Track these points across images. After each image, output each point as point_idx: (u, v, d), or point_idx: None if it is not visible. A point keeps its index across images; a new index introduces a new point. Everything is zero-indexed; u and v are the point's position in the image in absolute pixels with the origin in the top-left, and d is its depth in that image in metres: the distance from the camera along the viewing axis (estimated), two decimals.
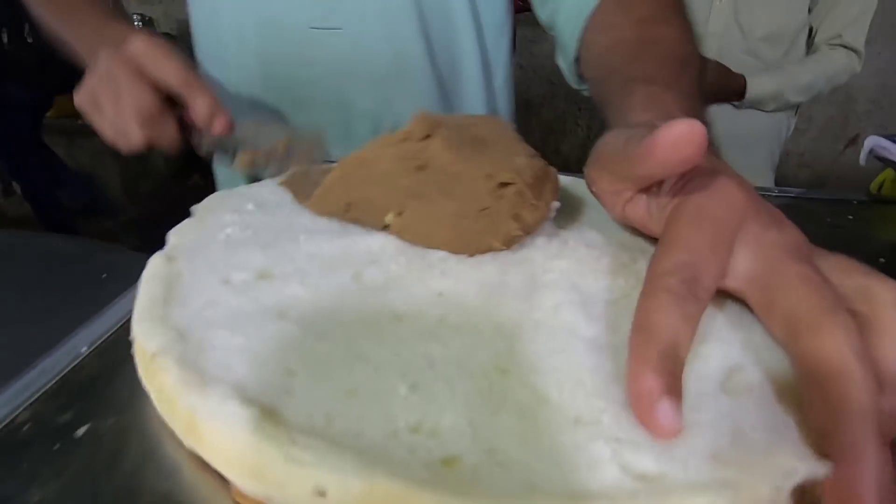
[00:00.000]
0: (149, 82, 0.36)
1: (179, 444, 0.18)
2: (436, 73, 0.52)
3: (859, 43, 0.90)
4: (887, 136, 0.44)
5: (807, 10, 0.92)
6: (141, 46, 0.36)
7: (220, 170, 0.62)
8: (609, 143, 0.23)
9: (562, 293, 0.21)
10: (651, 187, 0.22)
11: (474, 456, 0.15)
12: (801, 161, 2.27)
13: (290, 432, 0.15)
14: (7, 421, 0.20)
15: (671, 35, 0.33)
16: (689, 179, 0.20)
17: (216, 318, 0.20)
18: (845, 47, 0.91)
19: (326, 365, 0.18)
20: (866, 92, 2.10)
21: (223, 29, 0.51)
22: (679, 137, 0.18)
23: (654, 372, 0.15)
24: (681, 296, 0.17)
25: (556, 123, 2.23)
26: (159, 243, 0.27)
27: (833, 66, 0.92)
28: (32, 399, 0.21)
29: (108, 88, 0.36)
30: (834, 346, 0.15)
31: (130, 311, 0.26)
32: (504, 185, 0.24)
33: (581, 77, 0.43)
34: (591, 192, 0.25)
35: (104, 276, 0.47)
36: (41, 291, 0.45)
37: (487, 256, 0.24)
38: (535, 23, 0.54)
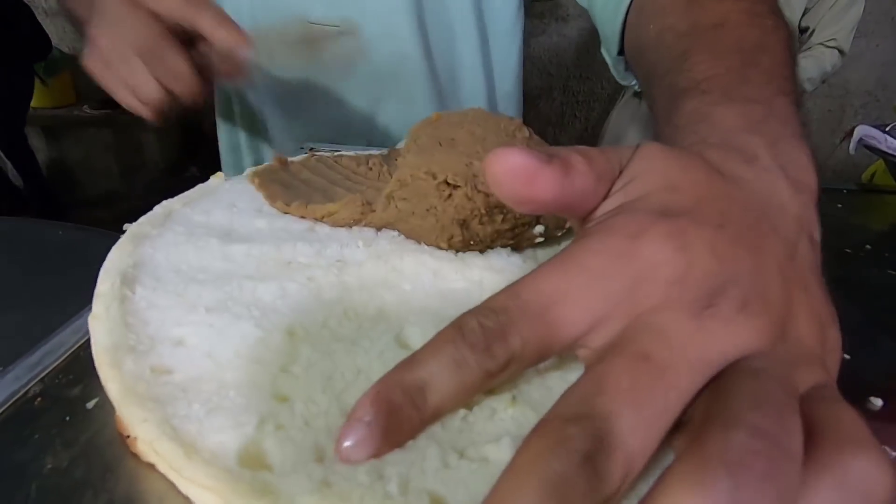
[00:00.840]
0: (148, 13, 0.32)
1: None
2: (432, 76, 0.51)
3: (847, 45, 1.04)
4: (877, 126, 0.45)
5: (801, 13, 1.03)
6: None
7: (226, 158, 0.62)
8: None
9: None
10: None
11: None
12: None
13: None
14: (19, 395, 0.20)
15: (733, 11, 0.25)
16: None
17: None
18: (837, 49, 1.04)
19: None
20: (863, 85, 2.11)
21: None
22: (496, 175, 0.15)
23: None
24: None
25: (554, 116, 2.23)
26: None
27: (827, 63, 1.04)
28: (43, 374, 0.21)
29: (111, 40, 0.32)
30: None
31: None
32: (452, 186, 0.23)
33: (632, 69, 0.36)
34: None
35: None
36: (42, 277, 0.46)
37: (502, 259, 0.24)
38: (533, 14, 0.53)
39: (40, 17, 2.24)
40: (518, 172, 0.14)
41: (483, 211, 0.24)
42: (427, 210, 0.24)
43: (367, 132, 0.54)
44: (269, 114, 0.53)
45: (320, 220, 0.27)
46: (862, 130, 0.44)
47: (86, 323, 0.24)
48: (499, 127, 0.28)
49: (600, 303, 0.14)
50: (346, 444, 0.14)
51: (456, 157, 0.25)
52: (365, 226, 0.26)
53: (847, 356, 0.26)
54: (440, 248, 0.25)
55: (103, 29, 0.33)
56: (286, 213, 0.28)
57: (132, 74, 0.33)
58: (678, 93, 0.22)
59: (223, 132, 0.60)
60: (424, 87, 0.52)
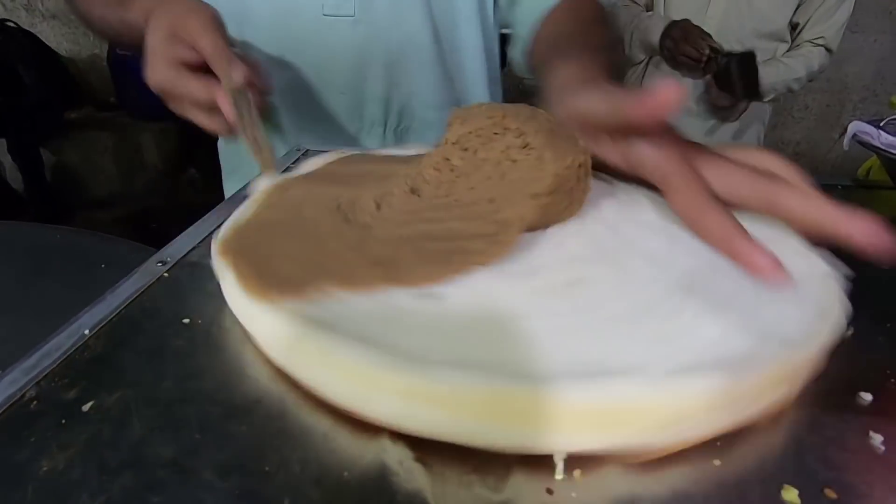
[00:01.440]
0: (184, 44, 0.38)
1: (184, 412, 0.19)
2: (441, 58, 0.54)
3: (835, 43, 1.04)
4: (870, 122, 0.45)
5: (794, 8, 1.02)
6: (184, 11, 0.38)
7: (226, 158, 0.63)
8: (583, 97, 0.29)
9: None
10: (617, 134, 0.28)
11: None
12: (796, 149, 2.28)
13: None
14: (15, 398, 0.21)
15: (598, 31, 0.45)
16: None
17: None
18: (825, 47, 1.04)
19: None
20: (861, 80, 2.10)
21: (239, 16, 0.53)
22: (666, 96, 0.23)
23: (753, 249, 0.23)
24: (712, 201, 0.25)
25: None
26: (153, 237, 0.28)
27: (816, 61, 1.04)
28: (39, 377, 0.22)
29: (167, 73, 0.38)
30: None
31: (131, 296, 0.27)
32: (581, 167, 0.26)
33: (529, 67, 0.51)
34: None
35: (103, 266, 0.48)
36: (40, 280, 0.46)
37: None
38: None
39: (38, 21, 2.24)
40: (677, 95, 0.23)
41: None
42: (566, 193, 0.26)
43: (382, 118, 0.56)
44: (278, 106, 0.55)
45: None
46: (856, 126, 0.44)
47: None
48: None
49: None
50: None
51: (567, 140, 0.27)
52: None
53: (836, 350, 0.26)
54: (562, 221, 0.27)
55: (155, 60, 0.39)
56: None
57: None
58: (566, 58, 0.37)
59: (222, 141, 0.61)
60: (434, 70, 0.55)
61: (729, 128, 1.10)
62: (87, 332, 0.24)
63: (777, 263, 0.23)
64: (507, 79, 0.66)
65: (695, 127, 1.09)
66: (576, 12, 0.49)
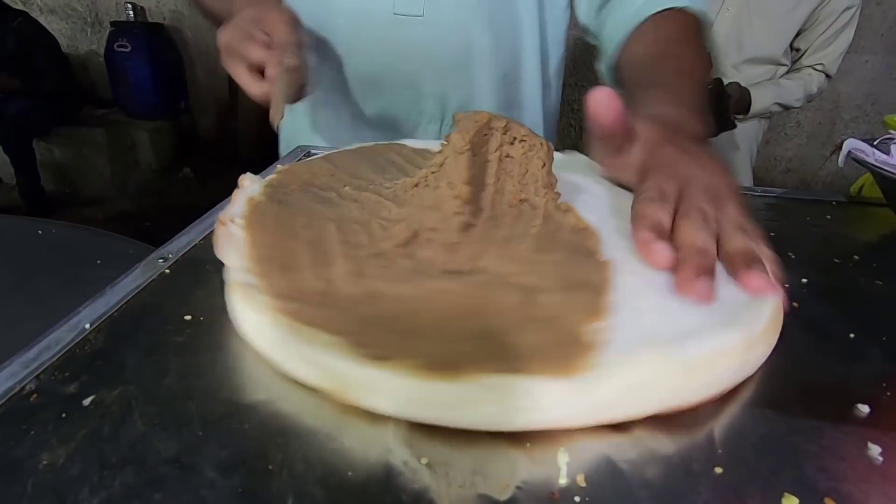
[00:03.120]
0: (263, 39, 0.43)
1: (186, 408, 0.19)
2: (499, 63, 0.57)
3: (834, 69, 1.10)
4: (865, 140, 0.46)
5: (792, 37, 1.07)
6: (272, 8, 0.45)
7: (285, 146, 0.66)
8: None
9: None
10: (622, 151, 0.34)
11: None
12: (788, 166, 2.31)
13: None
14: (14, 391, 0.20)
15: (686, 52, 0.45)
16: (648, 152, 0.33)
17: None
18: (824, 73, 1.09)
19: None
20: (853, 99, 2.14)
21: (309, 16, 0.56)
22: (596, 103, 0.30)
23: (648, 230, 0.26)
24: (655, 200, 0.28)
25: None
26: (146, 235, 0.28)
27: (815, 85, 1.09)
28: (38, 371, 0.21)
29: (238, 35, 0.44)
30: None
31: (132, 292, 0.26)
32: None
33: (615, 82, 0.52)
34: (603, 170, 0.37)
35: (98, 261, 0.48)
36: (35, 275, 0.45)
37: None
38: None
39: (35, 15, 2.23)
40: (607, 101, 0.30)
41: None
42: None
43: (440, 114, 0.59)
44: (337, 104, 0.58)
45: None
46: (851, 144, 0.45)
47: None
48: None
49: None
50: (658, 254, 0.26)
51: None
52: None
53: (833, 362, 0.26)
54: None
55: (235, 32, 0.45)
56: None
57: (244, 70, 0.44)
58: (647, 86, 0.41)
59: (285, 122, 0.63)
60: (491, 73, 0.57)
61: (724, 144, 1.11)
62: (87, 326, 0.24)
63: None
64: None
65: None
66: (663, 31, 0.47)
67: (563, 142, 2.26)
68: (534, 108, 0.62)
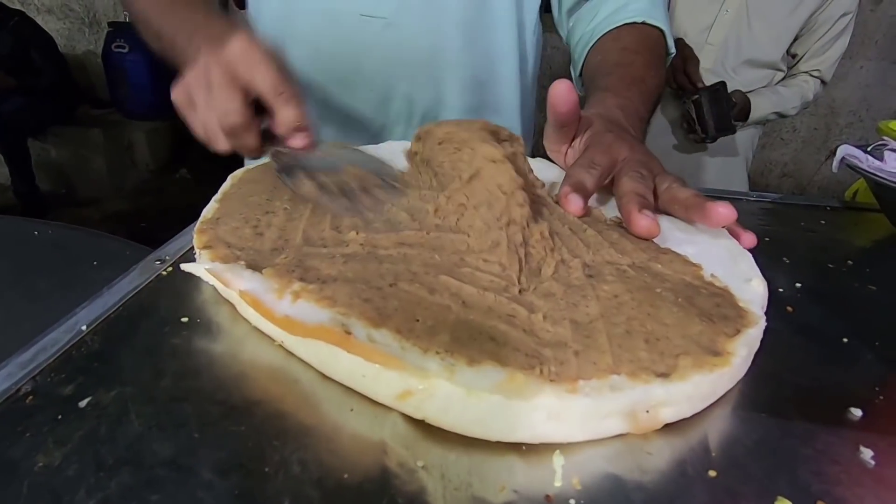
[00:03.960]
0: (241, 89, 0.34)
1: (182, 410, 0.19)
2: (469, 64, 0.57)
3: (829, 75, 1.10)
4: (859, 146, 0.46)
5: (791, 42, 1.07)
6: (238, 50, 0.34)
7: None
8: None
9: None
10: (572, 143, 0.39)
11: None
12: (784, 171, 2.32)
13: None
14: (11, 393, 0.20)
15: (638, 61, 0.49)
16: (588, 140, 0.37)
17: None
18: (820, 79, 1.10)
19: None
20: (848, 105, 2.16)
21: (277, 17, 0.56)
22: (555, 93, 0.34)
23: (568, 186, 0.33)
24: (584, 166, 0.34)
25: (541, 125, 2.25)
26: (143, 236, 0.28)
27: (811, 92, 1.10)
28: (35, 373, 0.21)
29: (203, 90, 0.35)
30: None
31: (129, 294, 0.26)
32: None
33: (583, 86, 0.56)
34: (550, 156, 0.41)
35: (95, 262, 0.47)
36: (31, 275, 0.45)
37: None
38: None
39: (33, 15, 2.22)
40: (564, 93, 0.34)
41: None
42: None
43: (406, 115, 0.58)
44: (308, 103, 0.55)
45: None
46: (844, 150, 0.46)
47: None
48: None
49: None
50: (573, 204, 0.32)
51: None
52: None
53: (827, 367, 0.27)
54: None
55: (199, 87, 0.35)
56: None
57: (213, 136, 0.36)
58: (598, 89, 0.46)
59: None
60: (462, 75, 0.57)
61: (721, 150, 1.12)
62: (84, 328, 0.24)
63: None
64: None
65: (686, 147, 1.11)
66: (620, 42, 0.51)
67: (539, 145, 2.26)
68: (510, 111, 0.61)
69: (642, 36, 0.52)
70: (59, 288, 0.38)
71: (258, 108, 0.35)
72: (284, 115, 0.35)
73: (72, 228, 0.55)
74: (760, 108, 1.06)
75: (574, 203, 0.32)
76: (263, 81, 0.34)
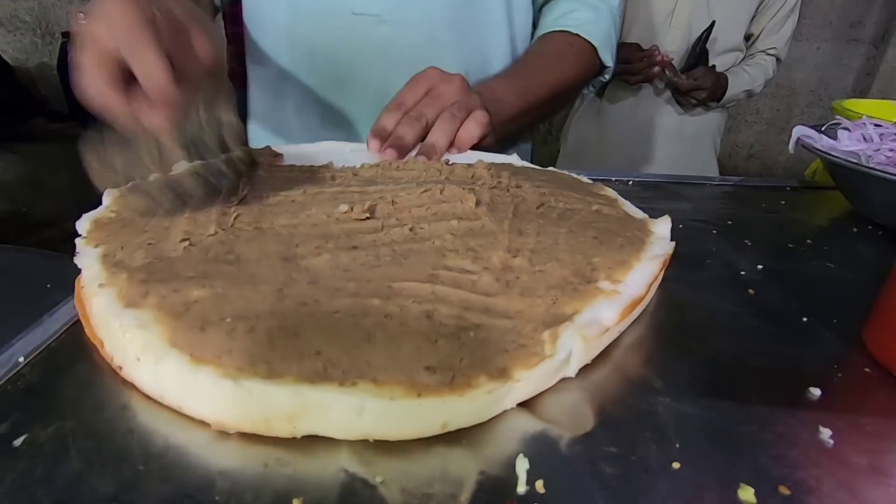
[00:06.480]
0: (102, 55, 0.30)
1: (126, 442, 0.18)
2: (464, 59, 0.57)
3: (784, 53, 1.14)
4: (813, 126, 0.47)
5: (749, 21, 1.09)
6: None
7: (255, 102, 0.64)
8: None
9: None
10: None
11: None
12: (750, 152, 2.38)
13: None
14: None
15: (545, 62, 0.57)
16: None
17: None
18: (776, 57, 1.13)
19: None
20: (807, 85, 2.22)
21: (270, 16, 0.56)
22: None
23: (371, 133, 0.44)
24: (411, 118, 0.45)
25: None
26: None
27: (770, 69, 1.13)
28: None
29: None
30: None
31: (71, 320, 0.25)
32: None
33: None
34: None
35: (48, 285, 0.45)
36: None
37: None
38: None
39: None
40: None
41: None
42: None
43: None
44: (302, 105, 0.58)
45: None
46: (799, 131, 0.46)
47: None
48: None
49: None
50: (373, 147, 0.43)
51: None
52: None
53: (787, 347, 0.27)
54: None
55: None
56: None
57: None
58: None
59: (250, 125, 0.63)
60: (455, 70, 0.56)
61: (690, 135, 1.14)
62: (21, 359, 0.22)
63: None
64: None
65: (661, 125, 1.13)
66: (549, 43, 0.58)
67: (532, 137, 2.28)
68: None
69: (564, 43, 0.58)
70: (5, 315, 0.37)
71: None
72: (139, 74, 0.29)
73: (23, 251, 0.52)
74: (734, 86, 1.09)
75: (373, 145, 0.42)
76: (119, 33, 0.28)
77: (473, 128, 0.45)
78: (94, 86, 0.29)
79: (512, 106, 0.52)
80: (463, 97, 0.47)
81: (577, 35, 0.57)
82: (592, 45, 0.58)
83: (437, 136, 0.44)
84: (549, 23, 0.59)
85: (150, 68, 0.28)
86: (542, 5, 0.62)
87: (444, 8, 0.55)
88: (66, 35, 2.28)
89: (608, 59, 0.60)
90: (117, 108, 0.29)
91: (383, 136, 0.43)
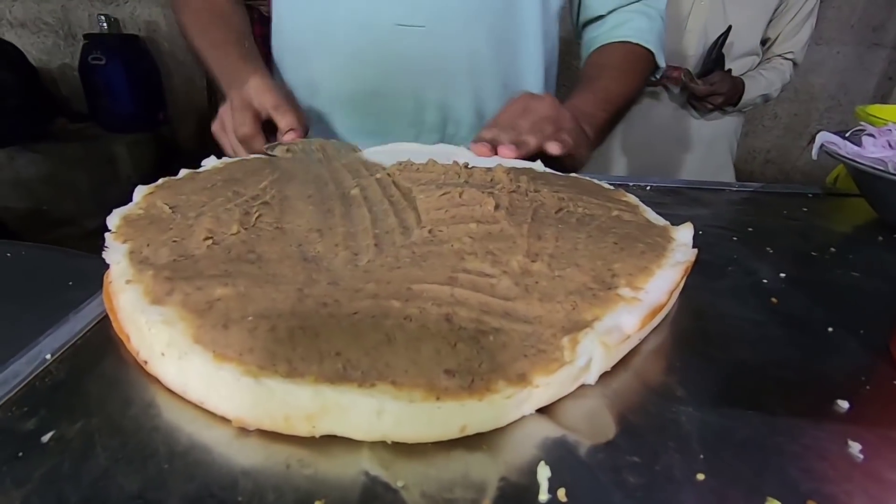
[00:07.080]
0: (251, 109, 0.48)
1: (151, 440, 0.18)
2: (501, 71, 0.59)
3: (801, 57, 1.13)
4: (837, 132, 0.46)
5: (766, 25, 1.09)
6: (253, 85, 0.48)
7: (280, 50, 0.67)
8: None
9: None
10: None
11: None
12: (767, 157, 2.34)
13: None
14: None
15: (611, 75, 0.58)
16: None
17: None
18: (793, 61, 1.12)
19: None
20: (826, 90, 2.18)
21: (309, 25, 0.57)
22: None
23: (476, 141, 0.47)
24: (506, 127, 0.48)
25: None
26: None
27: (788, 74, 1.12)
28: None
29: (228, 116, 0.49)
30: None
31: (96, 318, 0.25)
32: None
33: None
34: None
35: (70, 283, 0.46)
36: (6, 298, 0.44)
37: None
38: None
39: (5, 30, 2.18)
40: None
41: None
42: None
43: (438, 126, 0.60)
44: (338, 114, 0.60)
45: None
46: (823, 137, 0.46)
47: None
48: None
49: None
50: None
51: None
52: None
53: (812, 357, 0.26)
54: None
55: (227, 118, 0.50)
56: None
57: (235, 150, 0.50)
58: (580, 82, 0.59)
59: None
60: (492, 82, 0.59)
61: (704, 136, 1.13)
62: (48, 356, 0.23)
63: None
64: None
65: (678, 129, 1.12)
66: (607, 55, 0.60)
67: None
68: None
69: (625, 52, 0.60)
70: (30, 313, 0.37)
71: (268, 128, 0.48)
72: (281, 122, 0.48)
73: (46, 249, 0.53)
74: (751, 90, 1.08)
75: (478, 149, 0.45)
76: (267, 102, 0.48)
77: (554, 147, 0.46)
78: (245, 126, 0.48)
79: (599, 118, 0.53)
80: (554, 112, 0.48)
81: (636, 44, 0.59)
82: (650, 51, 0.60)
83: (527, 137, 0.46)
84: (605, 34, 0.61)
85: (289, 120, 0.48)
86: (589, 21, 0.64)
87: (486, 21, 0.56)
88: (88, 37, 2.33)
89: (662, 60, 0.62)
90: (256, 142, 0.48)
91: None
